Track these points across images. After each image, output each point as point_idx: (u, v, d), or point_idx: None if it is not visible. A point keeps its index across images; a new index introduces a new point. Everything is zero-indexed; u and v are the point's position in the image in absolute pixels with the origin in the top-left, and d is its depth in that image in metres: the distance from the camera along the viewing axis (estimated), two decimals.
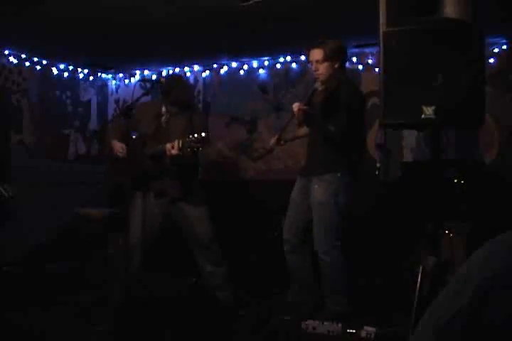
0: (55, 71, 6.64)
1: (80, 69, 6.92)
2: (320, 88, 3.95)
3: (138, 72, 7.09)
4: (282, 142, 4.21)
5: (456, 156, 5.12)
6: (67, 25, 5.05)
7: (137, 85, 7.03)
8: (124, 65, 6.88)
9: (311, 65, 4.04)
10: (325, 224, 3.93)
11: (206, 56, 6.30)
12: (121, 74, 7.28)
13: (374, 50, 5.46)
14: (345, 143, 3.90)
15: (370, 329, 3.47)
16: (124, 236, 3.89)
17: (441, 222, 3.20)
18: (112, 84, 7.37)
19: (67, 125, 6.83)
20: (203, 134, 3.81)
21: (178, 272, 4.51)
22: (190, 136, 3.81)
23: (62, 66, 6.70)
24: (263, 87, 6.37)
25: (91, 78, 7.11)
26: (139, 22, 4.96)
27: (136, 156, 4.17)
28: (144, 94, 4.40)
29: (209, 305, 3.63)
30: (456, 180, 4.49)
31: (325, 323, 3.56)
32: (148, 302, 3.48)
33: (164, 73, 6.89)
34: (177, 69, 6.79)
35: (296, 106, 3.81)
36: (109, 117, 7.31)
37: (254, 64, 6.39)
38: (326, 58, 3.92)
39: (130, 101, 6.13)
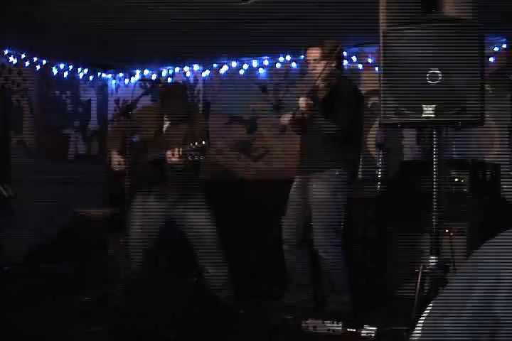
0: (54, 71, 6.64)
1: (79, 69, 6.91)
2: (321, 85, 3.95)
3: (138, 71, 7.08)
4: (300, 116, 4.09)
5: (456, 155, 5.12)
6: (67, 25, 5.05)
7: (137, 85, 7.04)
8: (123, 64, 6.88)
9: (309, 63, 4.05)
10: (324, 222, 3.93)
11: (206, 55, 6.30)
12: (121, 74, 7.27)
13: (374, 49, 5.45)
14: (344, 140, 3.91)
15: (371, 328, 3.47)
16: (124, 236, 3.88)
17: (441, 221, 3.19)
18: (112, 83, 7.37)
19: (67, 125, 6.83)
20: (204, 142, 3.80)
21: (178, 272, 4.51)
22: (191, 145, 3.81)
23: (62, 66, 6.70)
24: (263, 87, 6.37)
25: (91, 78, 7.10)
26: (139, 21, 4.96)
27: (136, 161, 4.16)
28: (143, 94, 4.41)
29: (209, 305, 3.63)
30: (456, 180, 4.49)
31: (325, 322, 3.56)
32: (149, 303, 3.48)
33: (164, 73, 6.89)
34: (177, 69, 6.79)
35: (303, 101, 3.78)
36: (109, 117, 7.30)
37: (254, 63, 6.39)
38: (324, 57, 3.93)
39: (130, 101, 6.14)
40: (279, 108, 6.21)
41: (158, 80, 6.62)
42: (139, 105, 4.81)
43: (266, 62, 6.34)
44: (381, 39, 3.07)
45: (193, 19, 4.89)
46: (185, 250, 4.45)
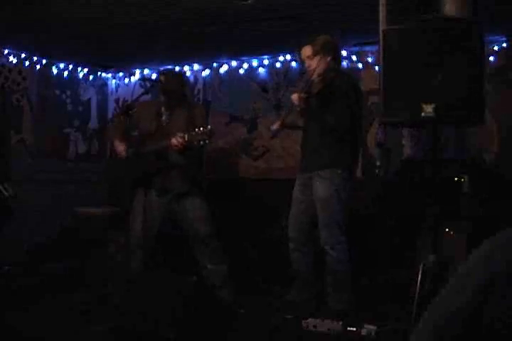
0: (54, 70, 6.64)
1: (79, 69, 6.91)
2: (317, 80, 3.96)
3: (138, 71, 7.08)
4: (287, 124, 4.17)
5: (456, 154, 5.12)
6: (66, 25, 5.05)
7: (137, 84, 7.05)
8: (123, 63, 6.88)
9: (305, 62, 4.06)
10: (330, 220, 3.94)
11: (206, 55, 6.30)
12: (121, 73, 7.27)
13: (374, 48, 5.46)
14: (344, 134, 3.91)
15: (371, 327, 3.48)
16: (125, 234, 3.89)
17: (441, 220, 3.20)
18: (112, 83, 7.37)
19: (67, 124, 6.83)
20: (209, 127, 3.83)
21: (178, 270, 4.51)
22: (196, 129, 3.82)
23: (62, 65, 6.70)
24: (263, 86, 6.37)
25: (91, 77, 7.10)
26: (139, 21, 4.96)
27: (136, 154, 4.17)
28: (143, 93, 4.41)
29: (210, 304, 3.63)
30: (456, 179, 4.49)
31: (325, 321, 3.56)
32: (148, 302, 3.48)
33: None
34: (177, 68, 6.79)
35: (295, 96, 3.83)
36: (109, 116, 7.31)
37: (254, 63, 6.39)
38: (316, 53, 3.94)
39: (130, 100, 6.14)
40: (279, 107, 6.21)
41: (158, 80, 6.62)
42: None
43: (266, 62, 6.34)
44: (381, 38, 3.07)
45: (193, 19, 4.89)
46: (185, 247, 4.46)
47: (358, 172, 4.57)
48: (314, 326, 3.57)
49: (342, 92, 3.86)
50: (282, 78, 6.27)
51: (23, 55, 6.25)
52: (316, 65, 3.92)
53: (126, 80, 7.24)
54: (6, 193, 4.77)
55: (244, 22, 4.95)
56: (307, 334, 3.56)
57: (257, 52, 6.18)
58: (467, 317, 0.90)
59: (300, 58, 4.13)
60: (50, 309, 4.19)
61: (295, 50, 5.77)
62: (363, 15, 4.54)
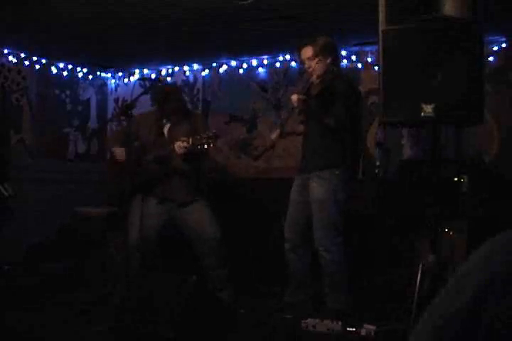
0: (54, 70, 6.64)
1: (79, 68, 6.91)
2: (316, 81, 3.96)
3: (137, 70, 7.08)
4: (284, 135, 4.21)
5: (456, 155, 5.12)
6: (66, 25, 5.05)
7: (137, 84, 7.05)
8: (123, 63, 6.87)
9: (305, 63, 4.07)
10: (325, 221, 3.93)
11: (205, 55, 6.30)
12: (120, 73, 7.27)
13: (373, 48, 5.45)
14: (343, 136, 3.91)
15: (370, 327, 3.48)
16: (124, 236, 3.88)
17: (441, 220, 3.20)
18: (112, 83, 7.36)
19: (66, 124, 6.83)
20: (214, 131, 3.83)
21: (178, 270, 4.51)
22: (201, 134, 3.82)
23: (61, 65, 6.69)
24: (262, 86, 6.37)
25: (90, 77, 7.10)
26: (139, 21, 4.96)
27: (136, 162, 4.16)
28: (143, 93, 4.41)
29: (209, 304, 3.63)
30: (455, 179, 4.49)
31: (325, 321, 3.56)
32: (148, 302, 3.48)
33: (164, 72, 6.89)
34: (176, 68, 6.79)
35: (294, 96, 3.84)
36: (109, 116, 7.30)
37: (254, 62, 6.39)
38: (317, 54, 3.95)
39: (129, 100, 6.14)
40: (278, 107, 6.21)
41: (157, 79, 6.62)
42: (139, 104, 4.81)
43: (265, 62, 6.34)
44: (380, 38, 3.07)
45: (192, 19, 4.89)
46: (186, 249, 4.45)
47: (360, 173, 4.56)
48: (314, 326, 3.57)
49: (341, 94, 3.86)
50: (282, 78, 6.27)
51: (22, 55, 6.24)
52: (316, 66, 3.93)
53: (126, 80, 7.24)
54: (5, 193, 4.77)
55: (244, 22, 4.95)
56: (306, 335, 3.56)
57: (257, 52, 6.18)
58: (466, 317, 0.90)
59: (300, 58, 4.14)
60: (50, 309, 4.19)
61: (295, 50, 5.79)
62: (363, 15, 4.53)
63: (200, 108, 6.66)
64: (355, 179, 4.18)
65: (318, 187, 3.94)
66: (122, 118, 4.33)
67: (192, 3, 4.50)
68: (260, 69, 6.38)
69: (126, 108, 4.18)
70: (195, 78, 6.76)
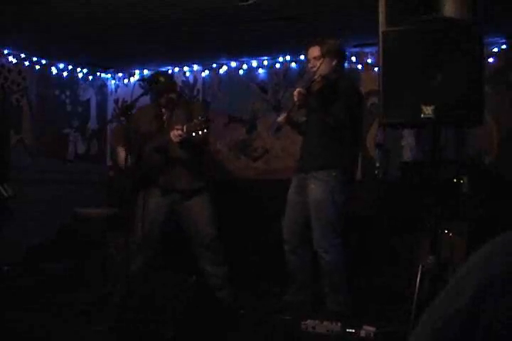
0: (54, 70, 6.63)
1: (79, 69, 6.91)
2: (318, 79, 3.97)
3: (137, 71, 7.08)
4: (291, 119, 4.14)
5: (456, 156, 5.12)
6: (66, 25, 5.05)
7: (136, 85, 7.05)
8: (123, 64, 6.88)
9: (310, 62, 4.07)
10: (323, 222, 3.93)
11: (205, 55, 6.30)
12: (120, 74, 7.27)
13: (373, 49, 5.46)
14: (342, 136, 3.91)
15: (370, 328, 3.48)
16: (125, 235, 3.88)
17: (441, 221, 3.20)
18: (112, 83, 7.36)
19: (66, 124, 6.83)
20: (206, 117, 3.88)
21: (177, 270, 4.51)
22: (194, 120, 3.84)
23: (61, 65, 6.69)
24: (262, 87, 6.37)
25: (90, 78, 7.10)
26: (139, 21, 4.96)
27: (137, 159, 4.16)
28: (143, 94, 4.42)
29: (209, 304, 3.63)
30: (455, 180, 4.50)
31: (324, 323, 3.56)
32: (149, 301, 3.48)
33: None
34: (176, 69, 6.79)
35: (296, 91, 3.86)
36: (109, 117, 7.30)
37: (254, 63, 6.39)
38: (324, 55, 3.96)
39: (129, 101, 6.14)
40: (278, 108, 6.21)
41: (157, 80, 6.62)
42: (139, 105, 4.82)
43: (265, 62, 6.34)
44: (380, 39, 3.07)
45: (192, 19, 4.89)
46: (185, 247, 4.45)
47: (358, 174, 4.57)
48: (313, 327, 3.57)
49: (343, 93, 3.87)
50: (282, 79, 6.27)
51: (22, 55, 6.24)
52: (320, 66, 3.94)
53: (126, 81, 7.24)
54: (5, 193, 4.78)
55: (243, 22, 4.95)
56: (306, 336, 3.56)
57: (257, 53, 6.18)
58: (465, 319, 0.90)
59: (307, 57, 4.14)
60: (50, 309, 4.19)
61: (295, 51, 5.80)
62: (363, 16, 4.54)
63: None
64: (354, 180, 4.18)
65: (315, 188, 3.94)
66: (122, 119, 4.33)
67: (192, 4, 4.50)
68: (260, 70, 6.38)
69: (126, 109, 4.19)
70: (195, 79, 6.76)
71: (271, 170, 6.27)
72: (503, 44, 5.23)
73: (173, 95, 4.37)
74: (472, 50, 2.94)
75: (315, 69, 3.98)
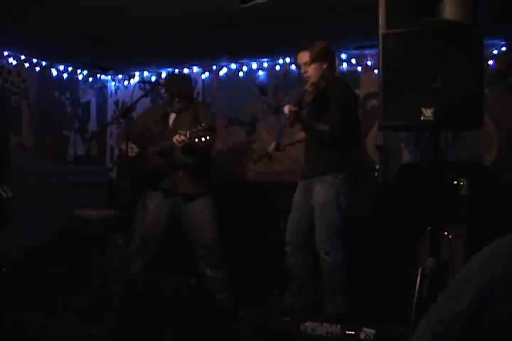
0: (54, 72, 6.64)
1: (79, 71, 6.92)
2: (310, 89, 3.96)
3: (137, 73, 7.09)
4: (281, 148, 4.22)
5: (456, 158, 5.12)
6: (66, 26, 5.06)
7: (137, 87, 7.05)
8: (123, 66, 6.88)
9: (300, 68, 4.07)
10: (327, 225, 3.93)
11: (205, 57, 6.30)
12: (120, 76, 7.28)
13: (373, 51, 5.46)
14: (341, 141, 3.91)
15: (370, 331, 3.47)
16: (124, 237, 3.88)
17: (440, 223, 3.19)
18: (112, 85, 7.37)
19: (66, 126, 6.83)
20: (209, 124, 3.84)
21: (177, 272, 4.51)
22: (198, 126, 3.81)
23: (61, 67, 6.70)
24: (262, 89, 6.37)
25: (90, 79, 7.11)
26: (139, 23, 4.96)
27: (143, 155, 4.16)
28: (143, 96, 4.41)
29: (209, 306, 3.63)
30: (455, 182, 4.49)
31: (324, 325, 3.56)
32: (149, 303, 3.48)
33: (164, 74, 6.89)
34: (176, 71, 6.79)
35: (286, 108, 3.83)
36: (109, 118, 7.31)
37: (254, 65, 6.40)
38: (314, 60, 3.95)
39: (129, 103, 6.14)
40: (278, 110, 6.21)
41: (157, 82, 6.62)
42: (139, 107, 4.82)
43: (265, 65, 6.35)
44: (380, 41, 3.07)
45: (192, 21, 4.89)
46: (185, 249, 4.45)
47: (359, 176, 4.56)
48: (313, 329, 3.57)
49: (334, 98, 3.85)
50: (282, 81, 6.27)
51: (22, 57, 6.25)
52: (312, 72, 3.94)
53: (126, 82, 7.25)
54: (4, 195, 4.77)
55: (244, 24, 4.95)
56: (305, 338, 3.56)
57: (257, 55, 6.19)
58: (466, 323, 0.90)
59: (297, 63, 4.14)
60: (50, 310, 4.19)
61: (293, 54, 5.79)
62: (363, 18, 4.53)
63: None
64: (358, 183, 4.18)
65: (321, 191, 3.94)
66: (122, 120, 4.32)
67: (192, 6, 4.50)
68: (260, 72, 6.39)
69: (126, 110, 4.19)
70: (195, 81, 6.76)
71: (271, 172, 6.27)
72: (502, 46, 5.24)
73: (183, 96, 4.30)
74: (472, 52, 2.94)
75: (307, 75, 3.98)
